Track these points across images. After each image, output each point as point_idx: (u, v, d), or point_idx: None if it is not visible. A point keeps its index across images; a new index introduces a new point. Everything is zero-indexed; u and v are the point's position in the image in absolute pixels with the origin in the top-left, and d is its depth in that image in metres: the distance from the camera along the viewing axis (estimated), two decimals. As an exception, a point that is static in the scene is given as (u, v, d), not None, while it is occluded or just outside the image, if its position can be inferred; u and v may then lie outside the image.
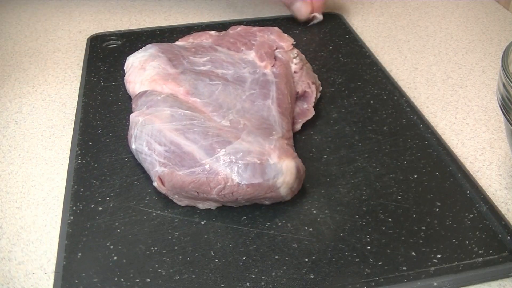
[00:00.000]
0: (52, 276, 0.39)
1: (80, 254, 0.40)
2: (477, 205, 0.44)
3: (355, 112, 0.55)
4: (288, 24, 0.70)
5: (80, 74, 0.62)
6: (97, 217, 0.43)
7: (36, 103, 0.58)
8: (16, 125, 0.55)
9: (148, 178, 0.46)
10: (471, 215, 0.43)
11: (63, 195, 0.46)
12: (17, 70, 0.64)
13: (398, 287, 0.38)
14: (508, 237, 0.41)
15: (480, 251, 0.40)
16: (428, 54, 0.66)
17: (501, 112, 0.41)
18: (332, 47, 0.65)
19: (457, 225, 0.42)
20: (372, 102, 0.56)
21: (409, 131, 0.52)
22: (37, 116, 0.56)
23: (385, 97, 0.57)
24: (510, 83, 0.40)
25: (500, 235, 0.41)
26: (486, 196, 0.44)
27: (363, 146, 0.50)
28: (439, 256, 0.40)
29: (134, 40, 0.66)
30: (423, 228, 0.42)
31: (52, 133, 0.54)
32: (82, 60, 0.64)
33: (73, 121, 0.54)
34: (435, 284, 0.38)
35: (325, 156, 0.49)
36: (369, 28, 0.72)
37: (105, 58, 0.63)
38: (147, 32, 0.68)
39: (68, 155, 0.50)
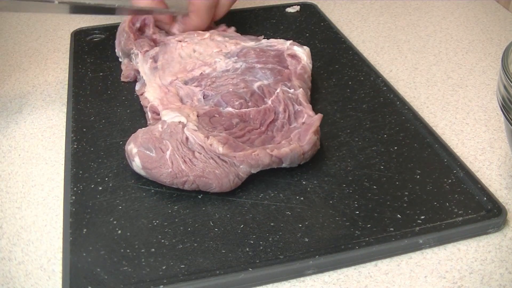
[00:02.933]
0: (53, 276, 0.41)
1: (85, 230, 0.42)
2: (455, 171, 0.47)
3: (334, 93, 0.58)
4: (265, 14, 0.73)
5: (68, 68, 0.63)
6: (98, 196, 0.45)
7: (36, 103, 0.59)
8: (16, 125, 0.55)
9: (144, 159, 0.48)
10: (450, 180, 0.46)
11: (63, 194, 0.46)
12: (17, 70, 0.65)
13: (387, 245, 0.41)
14: (485, 198, 0.44)
15: (459, 212, 0.43)
16: (428, 54, 0.66)
17: (501, 112, 0.42)
18: (309, 34, 0.68)
19: (437, 189, 0.45)
20: (350, 83, 0.59)
21: (387, 108, 0.55)
22: (37, 116, 0.57)
23: (362, 78, 0.60)
24: (510, 83, 0.40)
25: (477, 197, 0.44)
26: (463, 163, 0.48)
27: (345, 123, 0.53)
28: (422, 217, 0.43)
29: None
30: (406, 193, 0.45)
31: (52, 133, 0.54)
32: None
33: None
34: (420, 241, 0.41)
35: (310, 133, 0.52)
36: (369, 28, 0.72)
37: (91, 51, 0.65)
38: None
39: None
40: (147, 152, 0.45)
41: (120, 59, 0.62)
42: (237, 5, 0.74)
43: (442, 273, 0.39)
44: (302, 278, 0.40)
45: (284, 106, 0.49)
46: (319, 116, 0.48)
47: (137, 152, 0.45)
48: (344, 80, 0.60)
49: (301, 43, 0.60)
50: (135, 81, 0.59)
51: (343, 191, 0.45)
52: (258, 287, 0.39)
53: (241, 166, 0.44)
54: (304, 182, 0.46)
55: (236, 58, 0.57)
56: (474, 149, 0.50)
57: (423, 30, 0.72)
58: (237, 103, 0.50)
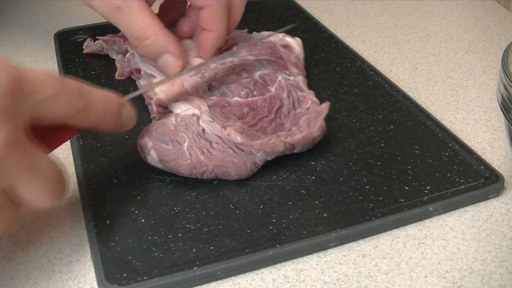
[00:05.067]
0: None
1: (108, 221, 0.43)
2: (450, 144, 0.50)
3: (325, 79, 0.60)
4: (246, 8, 0.74)
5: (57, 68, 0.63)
6: (114, 188, 0.46)
7: None
8: None
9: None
10: (447, 153, 0.49)
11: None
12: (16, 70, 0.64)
13: (401, 215, 0.43)
14: (482, 167, 0.47)
15: (461, 180, 0.46)
16: (428, 54, 0.66)
17: (501, 112, 0.43)
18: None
19: (437, 162, 0.48)
20: (338, 69, 0.61)
21: (377, 90, 0.58)
22: None
23: (348, 65, 0.62)
24: (510, 83, 0.40)
25: (474, 166, 0.47)
26: (456, 137, 0.51)
27: (340, 106, 0.55)
28: (428, 187, 0.45)
29: (101, 33, 0.68)
30: (409, 167, 0.48)
31: None
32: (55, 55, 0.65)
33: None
34: (431, 209, 0.44)
35: (309, 117, 0.54)
36: (369, 28, 0.73)
37: (77, 51, 0.65)
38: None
39: (68, 155, 0.51)
40: (164, 145, 0.45)
41: (113, 56, 0.63)
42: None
43: (442, 273, 0.40)
44: (326, 251, 0.41)
45: (288, 93, 0.51)
46: (327, 105, 0.50)
47: (152, 145, 0.46)
48: (332, 67, 0.62)
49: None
50: (129, 78, 0.59)
51: (351, 169, 0.47)
52: (286, 262, 0.40)
53: (257, 154, 0.46)
54: (312, 163, 0.48)
55: (230, 57, 0.57)
56: (474, 149, 0.50)
57: (423, 30, 0.72)
58: (243, 92, 0.51)
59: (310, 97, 0.51)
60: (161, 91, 0.50)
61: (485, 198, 0.46)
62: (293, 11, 0.74)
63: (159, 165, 0.46)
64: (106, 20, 0.53)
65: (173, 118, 0.47)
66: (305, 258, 0.41)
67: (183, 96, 0.50)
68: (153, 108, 0.51)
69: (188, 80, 0.52)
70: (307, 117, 0.49)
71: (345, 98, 0.57)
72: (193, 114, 0.47)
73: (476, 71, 0.63)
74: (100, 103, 0.39)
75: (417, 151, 0.49)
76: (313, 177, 0.46)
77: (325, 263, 0.40)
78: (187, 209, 0.43)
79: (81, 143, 0.51)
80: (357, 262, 0.40)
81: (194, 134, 0.46)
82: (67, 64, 0.63)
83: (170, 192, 0.45)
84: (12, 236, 0.43)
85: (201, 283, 0.39)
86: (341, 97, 0.57)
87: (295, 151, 0.48)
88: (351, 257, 0.41)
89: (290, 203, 0.44)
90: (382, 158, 0.49)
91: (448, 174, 0.47)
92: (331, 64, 0.62)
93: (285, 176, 0.47)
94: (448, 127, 0.52)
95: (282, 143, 0.46)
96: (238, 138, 0.45)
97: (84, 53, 0.64)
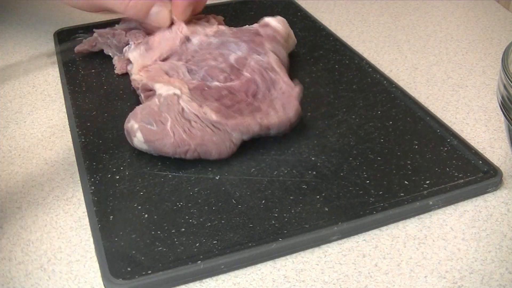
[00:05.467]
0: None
1: (111, 217, 0.43)
2: (448, 140, 0.50)
3: (324, 76, 0.60)
4: (242, 7, 0.75)
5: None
6: (117, 184, 0.46)
7: (36, 103, 0.59)
8: (16, 125, 0.55)
9: (155, 147, 0.49)
10: (446, 148, 0.50)
11: (63, 195, 0.47)
12: (17, 70, 0.64)
13: (401, 208, 0.43)
14: (480, 162, 0.48)
15: (460, 175, 0.47)
16: (428, 54, 0.67)
17: (501, 112, 0.43)
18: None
19: (436, 157, 0.49)
20: (336, 66, 0.62)
21: (376, 87, 0.58)
22: (37, 116, 0.56)
23: (347, 62, 0.63)
24: (510, 83, 0.40)
25: (473, 161, 0.48)
26: (454, 132, 0.51)
27: (340, 103, 0.56)
28: (428, 182, 0.46)
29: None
30: (409, 162, 0.48)
31: (52, 133, 0.54)
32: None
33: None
34: (430, 203, 0.44)
35: (308, 114, 0.54)
36: (369, 28, 0.73)
37: (78, 53, 0.65)
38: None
39: (68, 155, 0.51)
40: (148, 126, 0.47)
41: (107, 52, 0.63)
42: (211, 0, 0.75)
43: (442, 273, 0.39)
44: (327, 245, 0.42)
45: (261, 76, 0.52)
46: (299, 87, 0.51)
47: (138, 127, 0.47)
48: (330, 64, 0.62)
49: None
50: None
51: (351, 164, 0.48)
52: (286, 262, 0.41)
53: (233, 134, 0.47)
54: (313, 158, 0.48)
55: (212, 36, 0.58)
56: (474, 149, 0.50)
57: (423, 30, 0.72)
58: (221, 77, 0.52)
59: (282, 77, 0.52)
60: (143, 77, 0.52)
61: (484, 192, 0.46)
62: (292, 9, 0.75)
63: (145, 147, 0.47)
64: (106, 19, 0.54)
65: (156, 100, 0.49)
66: (305, 258, 0.41)
67: (164, 79, 0.51)
68: (141, 97, 0.52)
69: (166, 64, 0.53)
70: (282, 101, 0.50)
71: (344, 94, 0.57)
72: (174, 94, 0.48)
73: (476, 71, 0.63)
74: None
75: (416, 147, 0.50)
76: (314, 172, 0.47)
77: (325, 263, 0.40)
78: (189, 204, 0.44)
79: (83, 140, 0.51)
80: (357, 262, 0.40)
81: (176, 114, 0.47)
82: (67, 63, 0.63)
83: (173, 187, 0.46)
84: (12, 236, 0.43)
85: (205, 277, 0.39)
86: (340, 93, 0.57)
87: (271, 133, 0.49)
88: (351, 257, 0.41)
89: (291, 197, 0.44)
90: (381, 153, 0.49)
91: (447, 169, 0.47)
92: (330, 61, 0.63)
93: (286, 171, 0.47)
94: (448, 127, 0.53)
95: (257, 124, 0.48)
96: (214, 117, 0.47)
97: (76, 52, 0.64)
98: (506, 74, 0.41)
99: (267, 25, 0.59)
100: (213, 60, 0.54)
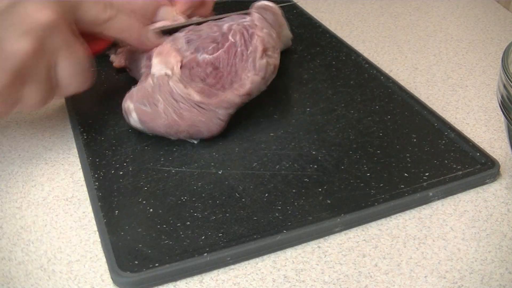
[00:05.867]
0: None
1: (117, 212, 0.43)
2: (446, 133, 0.51)
3: (321, 72, 0.61)
4: (239, 6, 0.76)
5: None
6: (120, 180, 0.46)
7: None
8: (16, 125, 0.55)
9: (157, 143, 0.50)
10: (443, 141, 0.51)
11: (63, 195, 0.47)
12: None
13: (402, 200, 0.44)
14: (478, 154, 0.49)
15: (458, 167, 0.47)
16: (428, 54, 0.67)
17: (501, 112, 0.43)
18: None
19: (434, 150, 0.50)
20: (334, 62, 0.63)
21: (373, 82, 0.59)
22: (37, 116, 0.57)
23: (344, 58, 0.64)
24: (510, 83, 0.40)
25: (470, 153, 0.49)
26: (451, 125, 0.52)
27: (338, 98, 0.57)
28: (427, 174, 0.47)
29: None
30: (408, 155, 0.49)
31: (52, 133, 0.54)
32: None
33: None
34: (430, 194, 0.45)
35: (308, 109, 0.55)
36: (369, 28, 0.73)
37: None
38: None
39: (69, 154, 0.51)
40: (143, 107, 0.49)
41: (107, 53, 0.64)
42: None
43: (442, 273, 0.39)
44: (330, 236, 0.43)
45: (240, 35, 0.52)
46: (260, 39, 0.51)
47: (133, 107, 0.49)
48: (327, 60, 0.63)
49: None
50: (127, 72, 0.60)
51: (351, 157, 0.49)
52: (293, 247, 0.42)
53: (218, 111, 0.49)
54: (314, 152, 0.49)
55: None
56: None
57: (423, 30, 0.73)
58: (210, 48, 0.53)
59: (257, 32, 0.52)
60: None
61: (482, 183, 0.47)
62: (287, 7, 0.75)
63: (140, 126, 0.50)
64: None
65: (150, 80, 0.50)
66: (305, 258, 0.41)
67: (165, 48, 0.53)
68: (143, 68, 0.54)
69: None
70: (252, 58, 0.51)
71: (342, 90, 0.58)
72: (166, 74, 0.50)
73: (476, 71, 0.64)
74: (124, 18, 0.50)
75: (415, 140, 0.51)
76: (315, 166, 0.48)
77: (325, 263, 0.40)
78: (193, 199, 0.44)
79: (85, 137, 0.51)
80: (357, 262, 0.40)
81: (167, 95, 0.49)
82: (66, 61, 0.63)
83: (176, 182, 0.46)
84: (12, 236, 0.43)
85: (211, 269, 0.40)
86: (338, 89, 0.58)
87: (254, 96, 0.51)
88: (351, 257, 0.41)
89: (294, 191, 0.45)
90: (381, 147, 0.50)
91: (446, 161, 0.48)
92: (327, 58, 0.64)
93: (287, 165, 0.48)
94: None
95: (237, 96, 0.49)
96: (197, 98, 0.48)
97: None
98: (506, 74, 0.41)
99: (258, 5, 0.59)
100: (209, 29, 0.55)
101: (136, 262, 0.39)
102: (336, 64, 0.62)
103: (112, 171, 0.47)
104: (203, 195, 0.45)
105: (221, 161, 0.48)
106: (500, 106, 0.43)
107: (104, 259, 0.41)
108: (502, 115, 0.43)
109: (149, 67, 0.53)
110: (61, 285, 0.39)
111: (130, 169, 0.48)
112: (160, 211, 0.43)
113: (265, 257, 0.41)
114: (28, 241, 0.43)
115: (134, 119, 0.50)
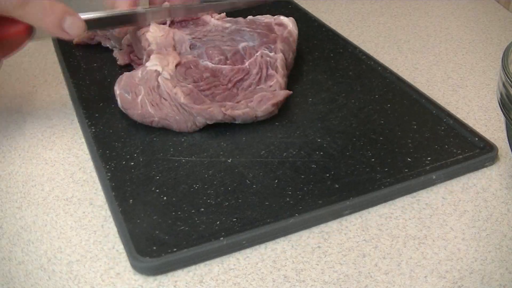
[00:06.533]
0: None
1: (131, 200, 0.44)
2: (444, 120, 0.53)
3: (321, 64, 0.63)
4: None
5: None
6: (132, 170, 0.47)
7: (36, 103, 0.59)
8: (16, 125, 0.55)
9: (165, 134, 0.51)
10: (443, 127, 0.52)
11: (63, 195, 0.47)
12: (17, 70, 0.64)
13: (407, 183, 0.46)
14: (476, 139, 0.50)
15: (458, 151, 0.49)
16: (428, 54, 0.67)
17: (501, 112, 0.43)
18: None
19: (434, 136, 0.51)
20: (332, 55, 0.64)
21: (371, 73, 0.61)
22: (37, 116, 0.57)
23: (341, 50, 0.65)
24: (510, 82, 0.41)
25: (469, 138, 0.51)
26: (449, 112, 0.54)
27: (338, 88, 0.58)
28: (429, 158, 0.48)
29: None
30: (409, 141, 0.51)
31: (52, 133, 0.54)
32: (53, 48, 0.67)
33: (73, 121, 0.55)
34: (434, 177, 0.47)
35: (310, 99, 0.56)
36: (369, 28, 0.74)
37: (77, 45, 0.66)
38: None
39: (69, 154, 0.51)
40: (126, 94, 0.53)
41: (105, 44, 0.64)
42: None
43: (442, 273, 0.39)
44: (340, 219, 0.44)
45: (259, 69, 0.54)
46: (285, 92, 0.53)
47: (119, 93, 0.53)
48: (325, 53, 0.65)
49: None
50: (132, 66, 0.61)
51: (355, 144, 0.50)
52: (305, 230, 0.43)
53: (197, 117, 0.51)
54: (319, 140, 0.51)
55: (228, 22, 0.61)
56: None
57: (423, 30, 0.73)
58: (216, 58, 0.55)
59: (277, 76, 0.54)
60: (154, 43, 0.56)
61: (482, 166, 0.49)
62: (282, 2, 0.77)
63: (122, 110, 0.53)
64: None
65: (140, 72, 0.53)
66: (305, 258, 0.41)
67: (167, 49, 0.55)
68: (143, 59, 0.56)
69: (177, 34, 0.57)
70: (262, 96, 0.52)
71: (342, 81, 0.59)
72: (156, 70, 0.52)
73: (476, 71, 0.64)
74: (39, 4, 0.47)
75: (415, 127, 0.52)
76: (321, 153, 0.49)
77: (325, 263, 0.40)
78: (205, 186, 0.46)
79: (93, 130, 0.52)
80: (357, 262, 0.40)
81: (149, 88, 0.52)
82: (68, 58, 0.64)
83: (187, 171, 0.47)
84: (12, 236, 0.43)
85: (227, 253, 0.41)
86: (338, 80, 0.60)
87: (237, 122, 0.52)
88: (351, 257, 0.41)
89: (302, 176, 0.46)
90: (383, 133, 0.51)
91: (446, 146, 0.50)
92: (325, 50, 0.65)
93: (294, 152, 0.49)
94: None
95: (221, 113, 0.51)
96: (182, 99, 0.50)
97: (75, 44, 0.66)
98: (506, 74, 0.42)
99: (282, 25, 0.61)
100: (221, 42, 0.56)
101: (154, 248, 0.40)
102: (334, 56, 0.64)
103: (123, 162, 0.48)
104: (215, 182, 0.46)
105: (229, 150, 0.49)
106: (500, 106, 0.43)
107: (104, 259, 0.41)
108: (502, 115, 0.43)
109: (147, 60, 0.55)
110: (61, 285, 0.39)
111: (141, 159, 0.49)
112: (174, 199, 0.45)
113: (265, 257, 0.41)
114: (28, 241, 0.42)
115: (119, 103, 0.53)
